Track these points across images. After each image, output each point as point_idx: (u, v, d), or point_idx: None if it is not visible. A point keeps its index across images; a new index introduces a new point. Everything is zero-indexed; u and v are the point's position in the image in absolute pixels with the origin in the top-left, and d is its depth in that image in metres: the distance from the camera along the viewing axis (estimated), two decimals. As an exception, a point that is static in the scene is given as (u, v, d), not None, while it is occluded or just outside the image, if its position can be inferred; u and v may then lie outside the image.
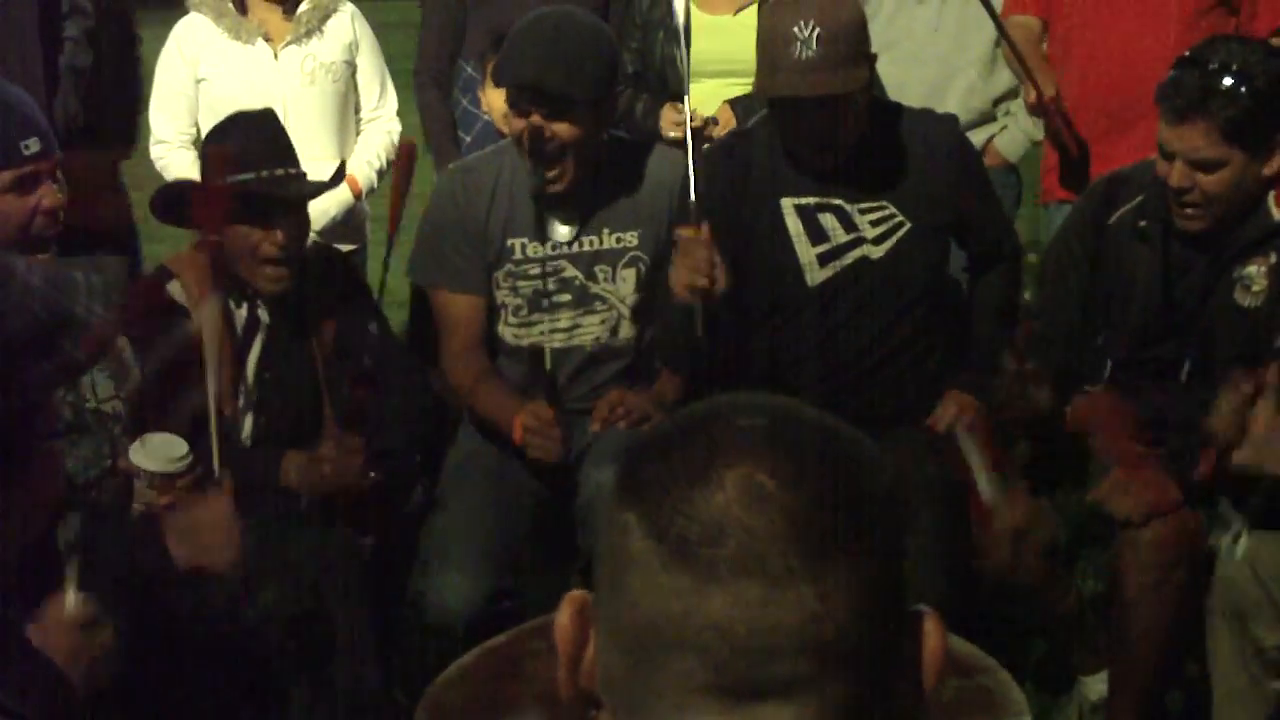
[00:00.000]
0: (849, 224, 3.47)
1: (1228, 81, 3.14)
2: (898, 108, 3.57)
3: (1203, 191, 3.21)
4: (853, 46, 3.31)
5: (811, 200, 3.47)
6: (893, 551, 1.00)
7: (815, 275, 3.50)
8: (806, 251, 3.48)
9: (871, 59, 3.41)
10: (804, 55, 3.24)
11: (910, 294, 3.54)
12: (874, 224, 3.48)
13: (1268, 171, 3.22)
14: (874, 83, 3.48)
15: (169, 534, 2.79)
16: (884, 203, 3.47)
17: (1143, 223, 3.36)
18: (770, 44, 3.33)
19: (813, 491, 0.96)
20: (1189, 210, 3.24)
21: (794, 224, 3.48)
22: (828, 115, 3.31)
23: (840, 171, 3.44)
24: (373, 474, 3.36)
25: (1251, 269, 3.29)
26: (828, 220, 3.47)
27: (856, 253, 3.49)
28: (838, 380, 3.54)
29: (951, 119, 3.73)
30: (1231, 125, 3.14)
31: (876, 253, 3.49)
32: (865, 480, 1.00)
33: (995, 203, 3.77)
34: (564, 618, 1.04)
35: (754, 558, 0.94)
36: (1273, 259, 3.27)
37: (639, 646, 0.97)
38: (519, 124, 3.41)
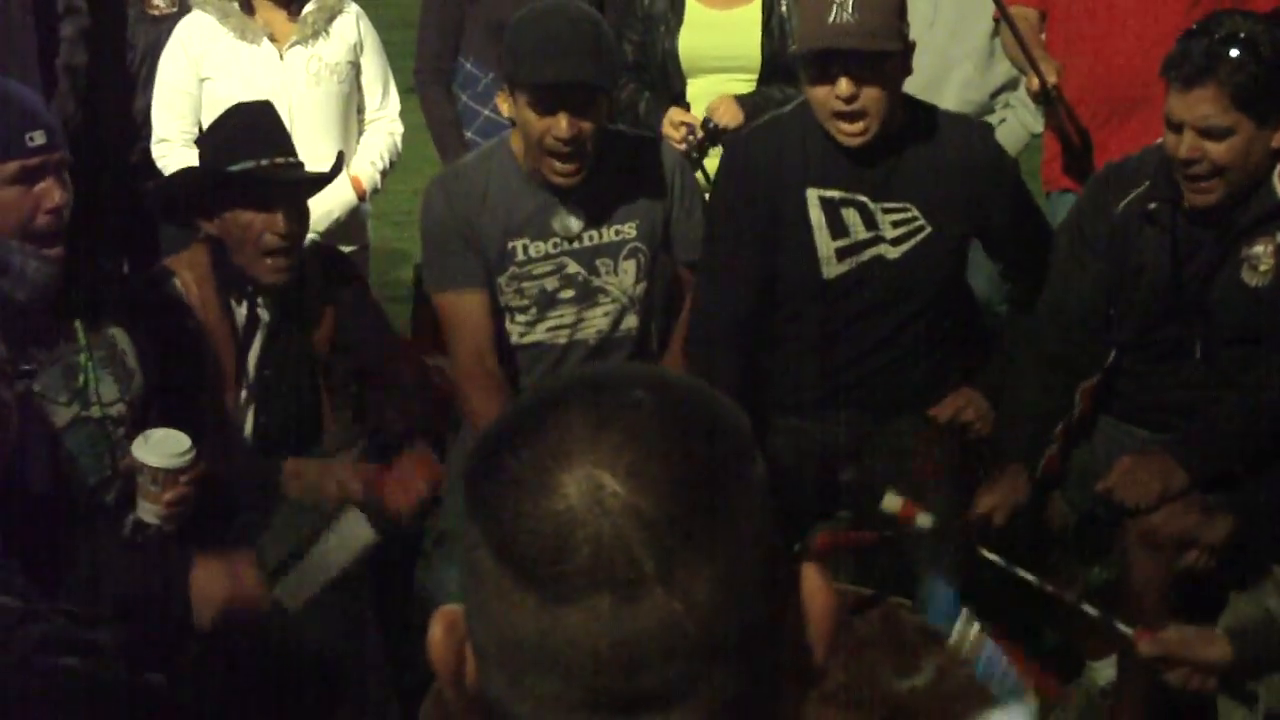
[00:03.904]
0: (870, 221, 3.47)
1: (1235, 49, 3.14)
2: (933, 111, 3.58)
3: (1212, 162, 3.19)
4: (889, 20, 3.33)
5: (836, 194, 3.47)
6: (755, 522, 0.93)
7: (831, 269, 3.50)
8: (826, 244, 3.48)
9: (909, 45, 3.41)
10: (839, 19, 3.27)
11: (922, 298, 3.53)
12: (895, 225, 3.48)
13: (1275, 144, 3.21)
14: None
15: (194, 594, 2.85)
16: (907, 205, 3.47)
17: (1152, 205, 3.35)
18: (808, 9, 3.37)
19: (661, 483, 0.90)
20: (1202, 184, 3.23)
21: (817, 215, 3.48)
22: (863, 75, 3.31)
23: (868, 165, 3.45)
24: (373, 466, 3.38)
25: (1258, 249, 3.28)
26: (850, 215, 3.47)
27: (873, 251, 3.49)
28: (840, 377, 3.54)
29: (987, 129, 3.73)
30: (1240, 91, 3.14)
31: (893, 253, 3.49)
32: (714, 451, 0.93)
33: (1034, 217, 3.71)
34: (436, 636, 0.98)
35: (602, 567, 0.88)
36: (1278, 238, 3.27)
37: (508, 665, 0.92)
38: (542, 124, 3.35)
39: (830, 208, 3.47)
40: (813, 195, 3.48)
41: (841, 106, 3.33)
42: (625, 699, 0.90)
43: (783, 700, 0.96)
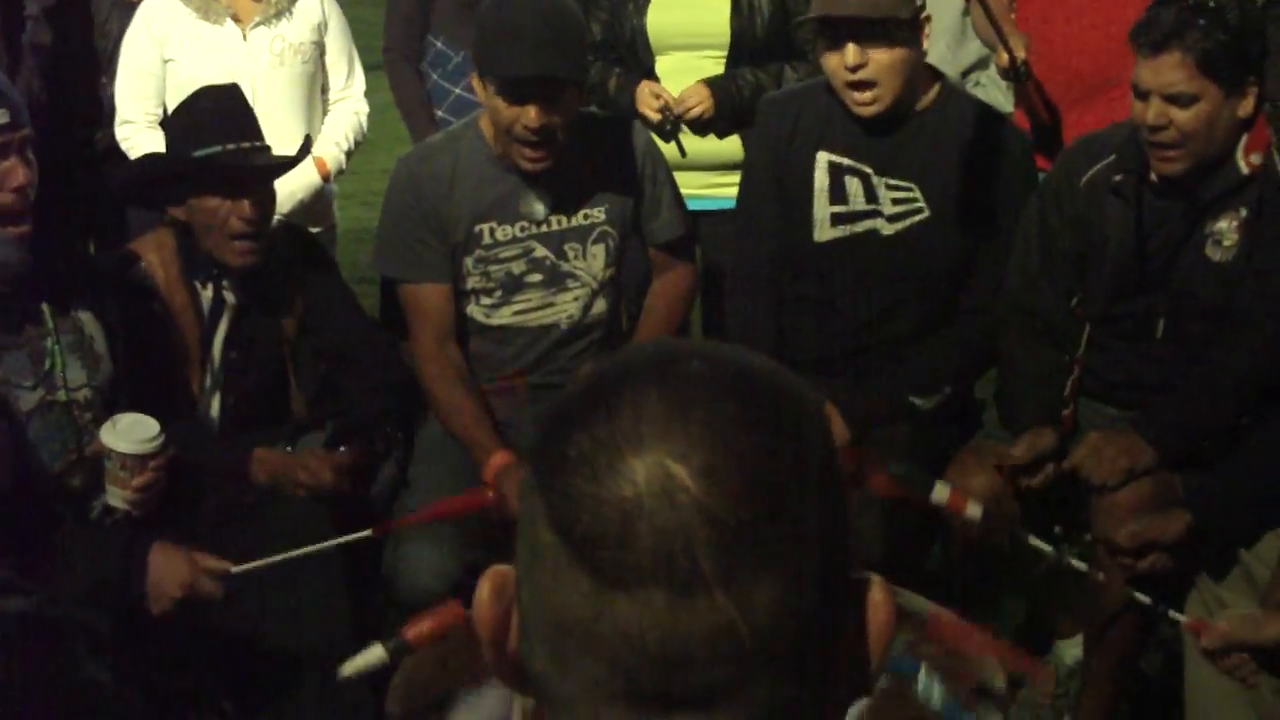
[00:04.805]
0: (871, 194, 3.54)
1: (1202, 17, 3.16)
2: (971, 101, 3.66)
3: (1178, 129, 3.20)
4: None
5: (844, 160, 3.54)
6: (829, 530, 0.90)
7: (824, 232, 3.56)
8: (823, 207, 3.55)
9: (920, 15, 3.44)
10: None
11: (918, 280, 3.56)
12: (895, 202, 3.53)
13: (1241, 113, 3.22)
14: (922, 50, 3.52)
15: (151, 581, 2.86)
16: (911, 185, 3.52)
17: (1117, 177, 3.36)
18: None
19: (734, 483, 0.86)
20: (1169, 153, 3.24)
21: (821, 177, 3.55)
22: (870, 43, 3.38)
23: (880, 138, 3.51)
24: (342, 449, 3.37)
25: (1223, 224, 3.29)
26: (852, 184, 3.54)
27: (868, 224, 3.54)
28: (834, 346, 3.57)
29: (1023, 136, 3.76)
30: (1206, 57, 3.15)
31: (888, 230, 3.54)
32: (795, 456, 0.89)
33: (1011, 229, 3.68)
34: (483, 595, 0.95)
35: (662, 561, 0.85)
36: (1243, 213, 3.28)
37: (553, 642, 0.90)
38: (511, 113, 3.35)
39: (836, 173, 3.55)
40: (822, 158, 3.56)
41: (849, 76, 3.41)
42: (666, 695, 0.88)
43: (828, 709, 0.94)
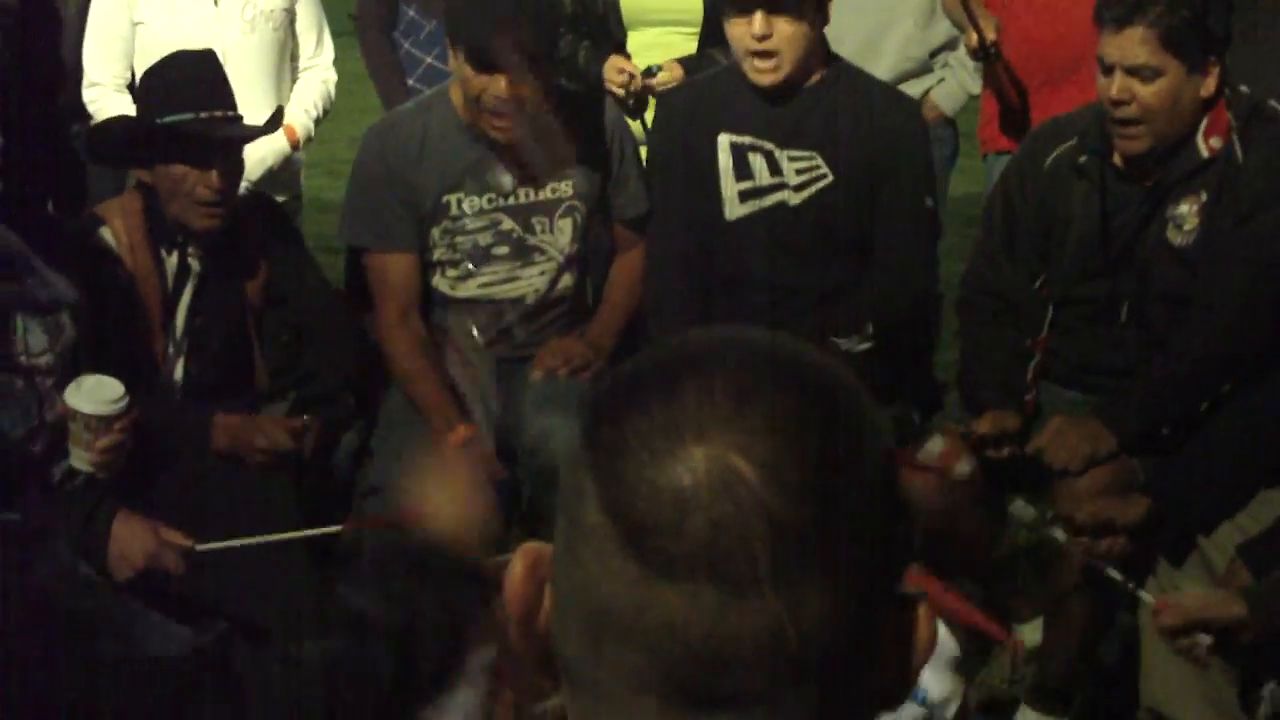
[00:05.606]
0: (775, 168, 3.58)
1: None
2: (865, 76, 3.69)
3: (1140, 104, 3.22)
4: None
5: (746, 139, 3.58)
6: (884, 536, 0.88)
7: (734, 210, 3.60)
8: (730, 186, 3.59)
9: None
10: None
11: (827, 247, 3.60)
12: (798, 172, 3.58)
13: (1203, 93, 3.24)
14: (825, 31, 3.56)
15: (113, 550, 2.85)
16: (813, 153, 3.57)
17: (1082, 158, 3.38)
18: None
19: (794, 481, 0.84)
20: (1131, 129, 3.26)
21: (725, 159, 3.59)
22: (777, 11, 3.40)
23: (779, 113, 3.54)
24: (305, 418, 3.37)
25: (1183, 208, 3.31)
26: (756, 161, 3.58)
27: (776, 196, 3.59)
28: (753, 321, 3.55)
29: (915, 106, 3.81)
30: (1170, 33, 3.17)
31: (794, 200, 3.58)
32: (858, 460, 0.87)
33: (915, 212, 3.67)
34: (516, 572, 0.92)
35: (716, 557, 0.83)
36: (1203, 197, 3.30)
37: (591, 626, 0.87)
38: (480, 82, 3.37)
39: (738, 152, 3.58)
40: (724, 140, 3.59)
41: (754, 44, 3.43)
42: (705, 693, 0.85)
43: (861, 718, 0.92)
